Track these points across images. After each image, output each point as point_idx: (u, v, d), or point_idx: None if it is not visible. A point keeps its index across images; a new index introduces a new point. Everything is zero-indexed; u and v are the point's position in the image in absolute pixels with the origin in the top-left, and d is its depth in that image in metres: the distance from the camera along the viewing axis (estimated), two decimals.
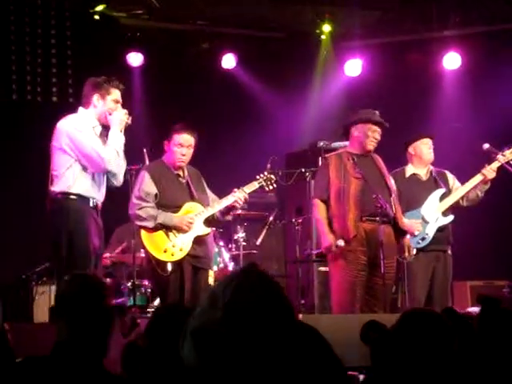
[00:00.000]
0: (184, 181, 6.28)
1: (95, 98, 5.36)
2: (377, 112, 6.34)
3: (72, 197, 5.24)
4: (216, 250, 7.04)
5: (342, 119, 9.37)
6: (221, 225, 7.18)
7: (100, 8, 8.59)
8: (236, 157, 9.03)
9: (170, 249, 5.99)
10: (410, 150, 6.99)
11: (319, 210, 6.27)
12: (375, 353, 2.83)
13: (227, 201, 6.33)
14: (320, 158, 7.59)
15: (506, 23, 8.94)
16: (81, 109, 5.42)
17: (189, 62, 9.07)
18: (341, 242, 6.02)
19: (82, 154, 5.26)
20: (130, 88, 7.66)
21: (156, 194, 6.07)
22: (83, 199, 5.27)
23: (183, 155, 6.17)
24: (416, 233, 6.61)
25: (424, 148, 6.95)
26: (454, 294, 7.85)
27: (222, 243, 7.48)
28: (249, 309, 1.68)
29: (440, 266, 6.77)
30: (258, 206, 7.96)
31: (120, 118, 5.36)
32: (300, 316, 5.42)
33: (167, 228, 6.04)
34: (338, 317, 5.80)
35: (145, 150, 6.43)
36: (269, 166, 6.96)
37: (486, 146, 6.89)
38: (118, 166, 5.34)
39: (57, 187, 5.26)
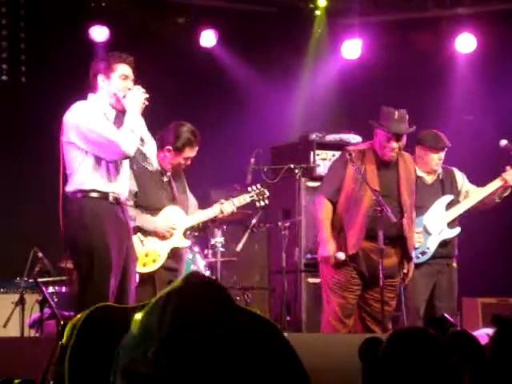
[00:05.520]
0: (166, 179, 6.24)
1: (100, 79, 5.28)
2: (396, 113, 6.16)
3: (87, 194, 5.17)
4: (190, 256, 6.93)
5: (338, 108, 9.49)
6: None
7: None
8: (214, 150, 8.88)
9: (142, 258, 5.83)
10: (418, 150, 6.83)
11: (325, 211, 6.21)
12: (367, 374, 2.76)
13: (213, 212, 6.34)
14: (312, 153, 7.65)
15: None
16: (90, 95, 5.35)
17: (162, 38, 8.97)
18: (342, 256, 6.08)
19: (91, 141, 5.15)
20: None
21: (136, 193, 5.95)
22: (100, 195, 5.19)
23: (184, 165, 6.23)
24: (416, 245, 6.57)
25: (433, 159, 6.78)
26: (463, 311, 7.96)
27: (196, 249, 7.30)
28: (192, 347, 1.55)
29: (443, 280, 6.73)
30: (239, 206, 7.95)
31: (136, 99, 5.24)
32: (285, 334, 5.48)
33: (143, 233, 5.97)
34: (326, 336, 5.79)
35: None
36: (252, 160, 6.96)
37: (504, 142, 6.81)
38: (134, 146, 5.20)
39: (70, 186, 5.20)
